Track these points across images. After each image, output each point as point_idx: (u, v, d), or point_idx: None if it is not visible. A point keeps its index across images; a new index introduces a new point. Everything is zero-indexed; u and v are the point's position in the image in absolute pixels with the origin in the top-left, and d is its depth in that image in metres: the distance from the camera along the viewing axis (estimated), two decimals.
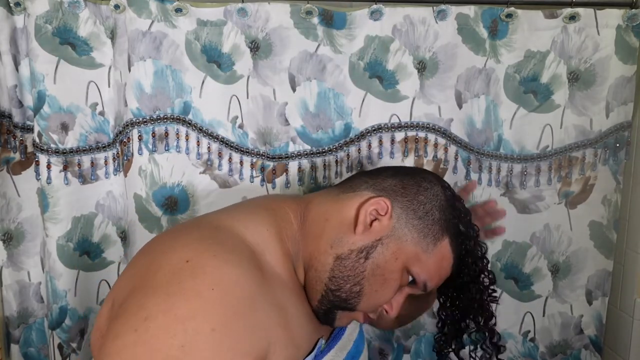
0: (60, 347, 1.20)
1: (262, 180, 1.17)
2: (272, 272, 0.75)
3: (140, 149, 1.12)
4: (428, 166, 1.19)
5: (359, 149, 1.16)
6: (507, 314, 1.25)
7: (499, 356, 0.93)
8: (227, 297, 0.63)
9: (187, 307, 0.60)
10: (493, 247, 1.21)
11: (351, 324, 0.90)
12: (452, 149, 1.18)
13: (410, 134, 1.16)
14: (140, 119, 1.11)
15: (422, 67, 1.13)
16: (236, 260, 0.68)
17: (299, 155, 1.16)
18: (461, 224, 0.84)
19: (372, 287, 0.78)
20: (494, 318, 0.92)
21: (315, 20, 1.10)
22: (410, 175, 0.85)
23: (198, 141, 1.14)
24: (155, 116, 1.12)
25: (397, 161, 1.17)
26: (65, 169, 1.13)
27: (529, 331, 1.26)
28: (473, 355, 1.02)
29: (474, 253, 0.87)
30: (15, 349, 1.24)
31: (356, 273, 0.78)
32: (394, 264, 0.78)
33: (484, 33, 1.13)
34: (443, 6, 1.10)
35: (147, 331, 0.59)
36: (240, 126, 1.15)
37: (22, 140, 1.16)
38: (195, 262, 0.64)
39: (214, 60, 1.12)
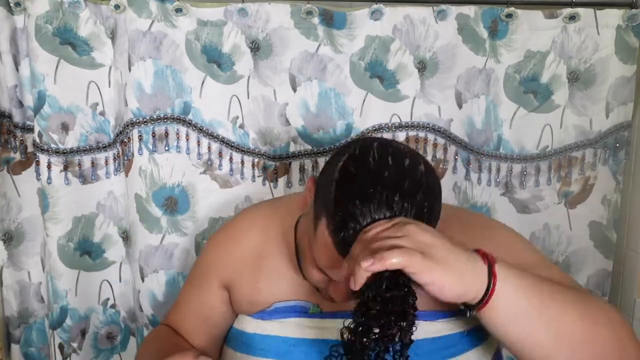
0: (61, 347, 1.20)
1: (264, 179, 1.17)
2: (277, 235, 0.88)
3: (140, 149, 1.12)
4: None
5: None
6: None
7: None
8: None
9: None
10: None
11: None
12: (452, 149, 1.18)
13: (411, 134, 1.16)
14: (141, 119, 1.12)
15: (423, 67, 1.14)
16: (250, 215, 0.95)
17: (300, 155, 1.16)
18: (343, 204, 0.65)
19: (304, 264, 0.78)
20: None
21: (316, 20, 1.10)
22: (341, 150, 0.73)
23: (198, 141, 1.14)
24: (155, 116, 1.12)
25: None
26: (65, 169, 1.13)
27: None
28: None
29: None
30: (15, 348, 1.24)
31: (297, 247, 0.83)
32: (305, 242, 0.75)
33: (484, 33, 1.13)
34: (443, 6, 1.11)
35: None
36: (241, 126, 1.15)
37: (22, 140, 1.16)
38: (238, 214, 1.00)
39: (214, 61, 1.12)
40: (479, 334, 0.83)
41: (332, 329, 0.82)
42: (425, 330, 0.79)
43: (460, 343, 0.81)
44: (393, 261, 0.57)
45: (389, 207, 0.63)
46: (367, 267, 0.57)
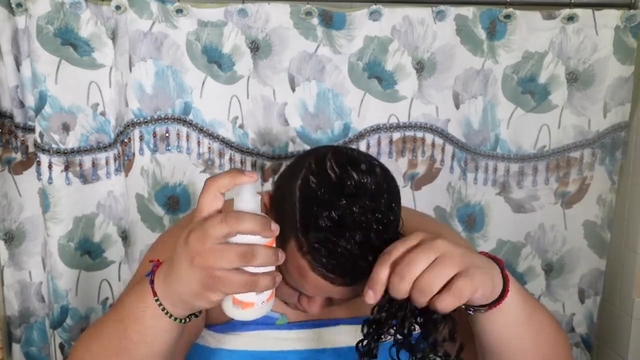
0: (61, 346, 1.20)
1: (262, 179, 1.17)
2: None
3: (141, 149, 1.13)
4: (423, 166, 1.19)
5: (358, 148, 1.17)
6: None
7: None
8: None
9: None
10: (487, 246, 1.22)
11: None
12: (449, 149, 1.18)
13: (408, 134, 1.17)
14: (142, 119, 1.12)
15: (421, 67, 1.14)
16: None
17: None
18: (313, 225, 0.62)
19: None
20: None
21: (315, 20, 1.11)
22: (294, 165, 0.70)
23: (199, 141, 1.15)
24: (156, 116, 1.12)
25: (394, 161, 1.18)
26: (66, 169, 1.13)
27: None
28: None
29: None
30: (16, 348, 1.24)
31: None
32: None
33: (482, 34, 1.13)
34: (442, 7, 1.11)
35: None
36: (241, 126, 1.15)
37: (23, 140, 1.17)
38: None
39: (215, 61, 1.12)
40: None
41: (300, 339, 0.82)
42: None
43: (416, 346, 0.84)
44: (466, 293, 0.57)
45: (361, 216, 0.61)
46: (444, 308, 0.56)
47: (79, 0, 1.07)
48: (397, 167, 1.19)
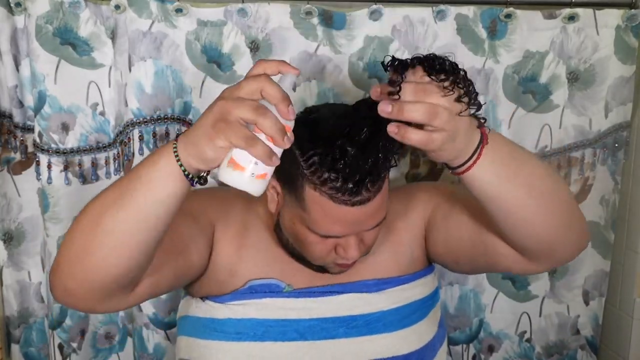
0: (60, 347, 1.20)
1: None
2: (260, 210, 0.93)
3: (141, 149, 1.12)
4: (425, 166, 1.20)
5: None
6: (504, 314, 1.25)
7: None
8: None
9: None
10: None
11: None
12: None
13: None
14: (141, 119, 1.12)
15: None
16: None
17: None
18: (311, 164, 0.75)
19: (305, 249, 0.84)
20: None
21: (315, 20, 1.11)
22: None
23: None
24: (155, 116, 1.12)
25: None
26: (65, 169, 1.13)
27: (525, 331, 1.26)
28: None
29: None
30: (15, 348, 1.24)
31: (289, 240, 0.87)
32: (297, 228, 0.82)
33: (483, 33, 1.13)
34: (442, 6, 1.11)
35: None
36: None
37: (22, 140, 1.16)
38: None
39: (214, 61, 1.12)
40: (428, 303, 0.94)
41: (306, 308, 0.88)
42: (392, 300, 0.89)
43: (418, 310, 0.91)
44: (431, 146, 0.64)
45: (345, 128, 0.73)
46: (409, 139, 0.63)
47: (78, 0, 1.07)
48: (399, 167, 1.19)
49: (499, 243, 0.81)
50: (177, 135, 0.66)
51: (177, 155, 0.63)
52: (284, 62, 0.65)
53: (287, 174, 0.78)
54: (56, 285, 0.72)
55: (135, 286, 0.76)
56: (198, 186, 0.67)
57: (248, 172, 0.62)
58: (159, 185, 0.65)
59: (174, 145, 0.64)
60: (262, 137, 0.61)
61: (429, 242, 0.94)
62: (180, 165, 0.63)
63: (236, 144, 0.60)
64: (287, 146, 0.62)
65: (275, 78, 0.64)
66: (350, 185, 0.74)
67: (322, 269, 0.88)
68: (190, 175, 0.64)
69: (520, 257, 0.81)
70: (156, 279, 0.78)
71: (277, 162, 0.63)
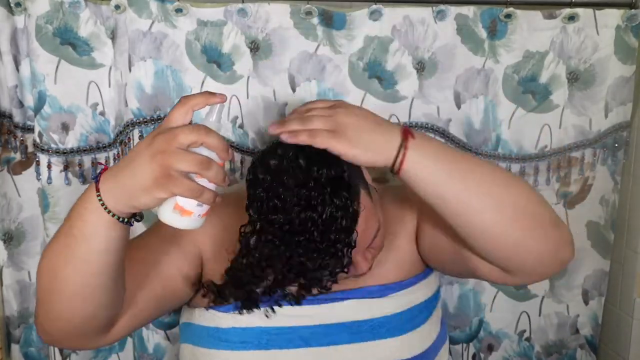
0: None
1: None
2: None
3: None
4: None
5: None
6: (503, 313, 1.25)
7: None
8: None
9: None
10: None
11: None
12: None
13: None
14: (141, 119, 1.12)
15: (421, 67, 1.14)
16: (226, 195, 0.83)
17: None
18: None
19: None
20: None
21: (315, 20, 1.11)
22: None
23: None
24: (155, 116, 1.12)
25: None
26: (65, 169, 1.13)
27: (525, 331, 1.27)
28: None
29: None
30: (15, 348, 1.24)
31: None
32: None
33: (483, 33, 1.13)
34: (442, 6, 1.11)
35: None
36: (241, 126, 1.15)
37: (22, 140, 1.16)
38: None
39: (214, 61, 1.12)
40: (432, 304, 0.93)
41: (310, 315, 0.87)
42: (396, 304, 0.88)
43: (422, 312, 0.91)
44: (300, 138, 0.68)
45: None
46: (319, 143, 0.67)
47: (78, 0, 1.07)
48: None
49: (473, 256, 0.79)
50: (94, 178, 0.65)
51: (103, 204, 0.63)
52: (208, 93, 0.64)
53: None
54: (37, 326, 0.75)
55: (114, 323, 0.77)
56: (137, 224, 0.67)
57: (195, 215, 0.65)
58: (96, 239, 0.65)
59: (98, 196, 0.63)
60: (204, 182, 0.62)
61: (419, 246, 0.93)
62: (111, 213, 0.63)
63: (182, 195, 0.61)
64: (228, 183, 0.63)
65: (205, 110, 0.65)
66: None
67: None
68: (125, 219, 0.65)
69: (497, 270, 0.78)
70: (134, 312, 0.79)
71: (220, 200, 0.64)
